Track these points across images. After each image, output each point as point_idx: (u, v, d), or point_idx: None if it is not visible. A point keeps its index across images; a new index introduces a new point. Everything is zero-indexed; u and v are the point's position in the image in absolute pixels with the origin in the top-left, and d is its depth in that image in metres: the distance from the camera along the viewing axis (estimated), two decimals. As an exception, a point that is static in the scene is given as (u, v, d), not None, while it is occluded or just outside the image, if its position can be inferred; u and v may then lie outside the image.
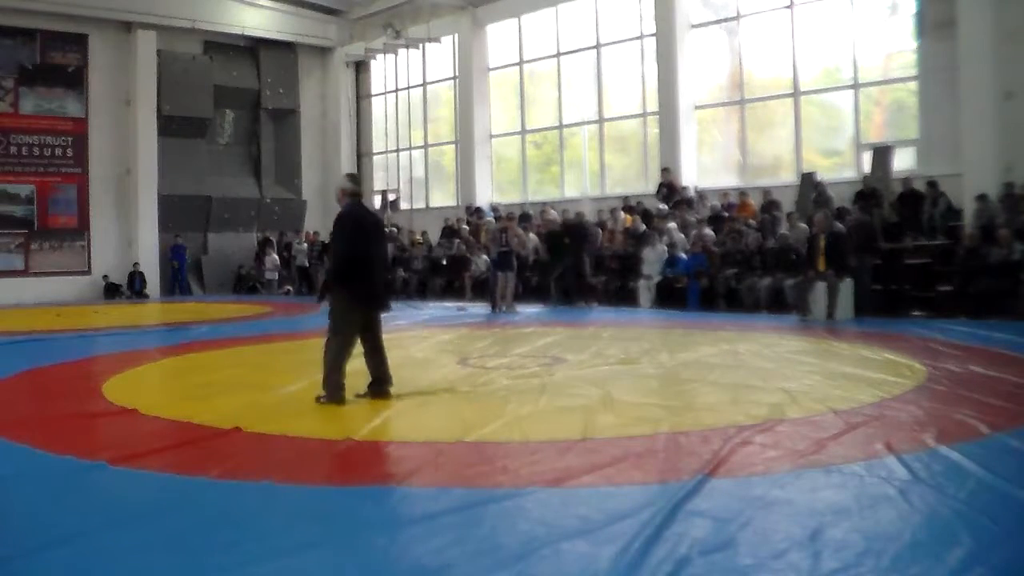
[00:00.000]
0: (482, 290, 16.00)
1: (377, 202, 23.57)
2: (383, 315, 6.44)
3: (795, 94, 15.96)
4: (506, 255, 14.19)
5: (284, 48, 23.64)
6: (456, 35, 21.59)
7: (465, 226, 19.18)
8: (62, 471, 4.44)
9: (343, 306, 6.11)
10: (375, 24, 22.54)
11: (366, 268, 6.08)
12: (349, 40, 23.71)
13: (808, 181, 14.82)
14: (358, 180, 6.67)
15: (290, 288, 21.04)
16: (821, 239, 11.68)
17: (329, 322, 6.15)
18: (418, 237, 20.44)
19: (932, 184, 13.05)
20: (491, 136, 21.43)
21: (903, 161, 14.38)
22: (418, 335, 10.59)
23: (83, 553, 3.22)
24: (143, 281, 20.79)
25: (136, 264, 20.87)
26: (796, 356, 8.05)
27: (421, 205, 23.43)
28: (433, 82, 23.09)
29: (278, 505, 3.81)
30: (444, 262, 18.70)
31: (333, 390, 6.00)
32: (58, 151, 20.57)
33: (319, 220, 23.80)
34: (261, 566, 3.05)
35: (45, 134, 20.38)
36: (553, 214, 17.94)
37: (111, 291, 20.54)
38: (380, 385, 6.21)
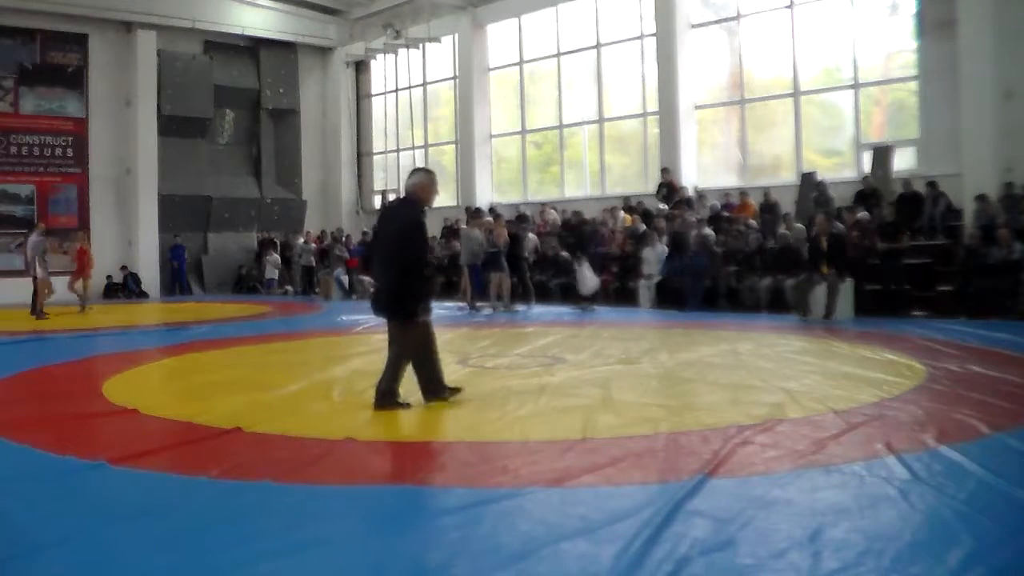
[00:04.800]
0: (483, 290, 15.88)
1: (377, 202, 23.58)
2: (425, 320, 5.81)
3: (795, 94, 15.96)
4: (495, 255, 14.18)
5: (284, 48, 23.63)
6: (456, 35, 21.57)
7: (464, 226, 19.13)
8: (62, 471, 4.44)
9: None
10: (375, 24, 22.54)
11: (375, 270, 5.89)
12: (349, 40, 23.71)
13: (808, 181, 14.83)
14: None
15: (289, 288, 21.04)
16: (823, 241, 11.69)
17: None
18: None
19: (932, 184, 13.06)
20: (491, 136, 21.41)
21: (903, 161, 14.39)
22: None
23: (83, 553, 3.22)
24: (136, 281, 20.79)
25: (124, 267, 20.85)
26: (796, 356, 8.04)
27: (421, 205, 23.37)
28: (433, 82, 23.08)
29: (278, 505, 3.81)
30: (444, 262, 18.68)
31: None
32: (58, 151, 20.58)
33: (319, 220, 23.83)
34: (261, 566, 3.05)
35: (45, 134, 20.39)
36: (552, 215, 17.93)
37: (111, 291, 20.53)
38: (425, 395, 5.86)
